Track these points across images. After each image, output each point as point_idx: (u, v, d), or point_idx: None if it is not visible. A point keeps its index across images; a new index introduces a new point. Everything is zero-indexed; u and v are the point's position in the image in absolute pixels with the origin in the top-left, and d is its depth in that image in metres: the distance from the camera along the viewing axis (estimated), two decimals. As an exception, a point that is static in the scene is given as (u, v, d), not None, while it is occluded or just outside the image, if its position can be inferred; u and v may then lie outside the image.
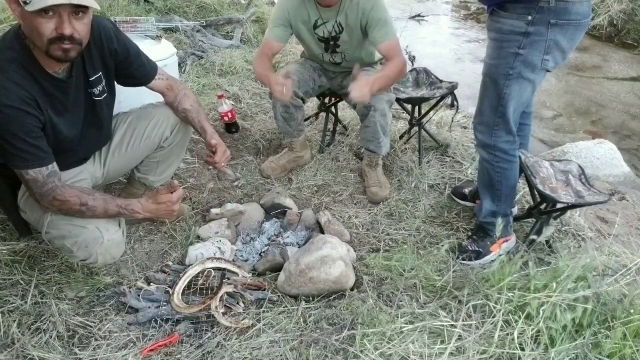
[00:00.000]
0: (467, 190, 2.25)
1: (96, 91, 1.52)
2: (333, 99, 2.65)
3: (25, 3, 1.18)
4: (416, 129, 2.62)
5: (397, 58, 2.05)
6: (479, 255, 1.88)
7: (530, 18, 1.51)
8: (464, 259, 1.87)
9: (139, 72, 1.64)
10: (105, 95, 1.56)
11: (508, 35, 1.58)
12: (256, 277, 1.79)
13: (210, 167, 1.73)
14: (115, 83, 1.63)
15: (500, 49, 1.62)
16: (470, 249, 1.91)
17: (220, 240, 1.89)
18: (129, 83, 1.67)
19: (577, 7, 1.49)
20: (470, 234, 2.02)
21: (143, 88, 1.71)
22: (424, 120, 2.61)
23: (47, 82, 1.35)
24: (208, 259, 1.75)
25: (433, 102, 2.54)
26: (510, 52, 1.58)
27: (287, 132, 2.39)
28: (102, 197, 1.47)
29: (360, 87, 1.88)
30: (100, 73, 1.51)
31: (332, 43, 2.20)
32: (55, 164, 1.39)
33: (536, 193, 1.94)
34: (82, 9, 1.25)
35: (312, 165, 2.57)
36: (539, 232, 1.84)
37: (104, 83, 1.54)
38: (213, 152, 1.73)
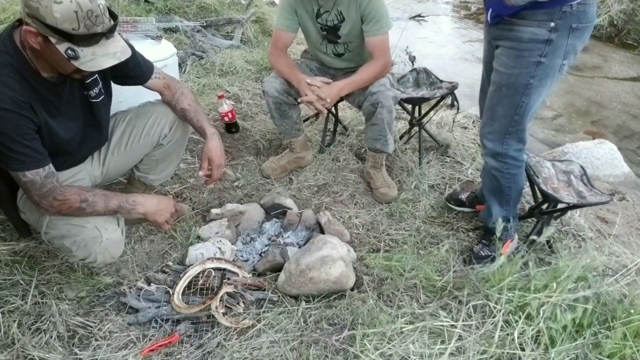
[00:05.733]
0: (463, 196, 2.22)
1: (92, 93, 1.52)
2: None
3: (73, 58, 1.23)
4: (416, 129, 2.62)
5: (379, 60, 2.08)
6: (494, 259, 1.86)
7: (552, 24, 1.47)
8: (481, 267, 1.80)
9: (134, 72, 1.65)
10: (103, 96, 1.56)
11: (528, 44, 1.53)
12: (256, 277, 1.79)
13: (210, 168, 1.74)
14: (113, 83, 1.63)
15: (520, 57, 1.57)
16: (483, 254, 1.89)
17: (220, 240, 1.89)
18: (125, 83, 1.68)
19: (591, 9, 1.49)
20: (478, 239, 2.00)
21: (142, 87, 1.71)
22: (424, 120, 2.61)
23: (40, 85, 1.35)
24: (208, 259, 1.75)
25: (433, 102, 2.54)
26: (532, 60, 1.54)
27: (285, 130, 2.38)
28: (102, 192, 1.48)
29: (329, 88, 2.06)
30: (96, 75, 1.52)
31: (333, 33, 2.19)
32: (51, 165, 1.38)
33: (538, 192, 1.94)
34: None
35: (312, 165, 2.56)
36: (539, 232, 1.84)
37: (100, 85, 1.54)
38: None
